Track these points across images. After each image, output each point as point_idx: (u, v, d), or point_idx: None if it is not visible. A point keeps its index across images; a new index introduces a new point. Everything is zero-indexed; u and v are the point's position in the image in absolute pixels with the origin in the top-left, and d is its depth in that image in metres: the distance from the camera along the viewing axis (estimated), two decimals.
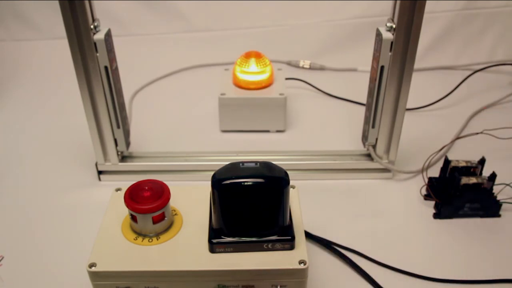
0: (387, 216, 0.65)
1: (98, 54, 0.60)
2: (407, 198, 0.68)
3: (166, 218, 0.48)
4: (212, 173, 0.45)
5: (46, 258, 0.58)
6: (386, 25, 0.61)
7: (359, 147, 0.75)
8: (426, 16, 0.58)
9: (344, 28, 1.09)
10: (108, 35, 0.61)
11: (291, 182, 0.45)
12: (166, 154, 0.73)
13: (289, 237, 0.46)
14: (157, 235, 0.47)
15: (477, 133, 0.67)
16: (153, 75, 1.02)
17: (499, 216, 0.64)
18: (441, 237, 0.61)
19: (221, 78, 0.85)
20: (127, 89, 0.79)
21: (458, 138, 0.79)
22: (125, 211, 0.48)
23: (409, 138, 0.74)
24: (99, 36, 0.59)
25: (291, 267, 0.44)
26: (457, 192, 0.62)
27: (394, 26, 0.60)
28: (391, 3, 0.60)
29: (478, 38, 1.08)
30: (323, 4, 1.09)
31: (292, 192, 0.51)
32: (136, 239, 0.47)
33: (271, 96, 0.80)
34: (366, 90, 0.68)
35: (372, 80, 0.66)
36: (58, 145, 0.79)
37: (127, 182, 0.50)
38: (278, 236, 0.45)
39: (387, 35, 0.60)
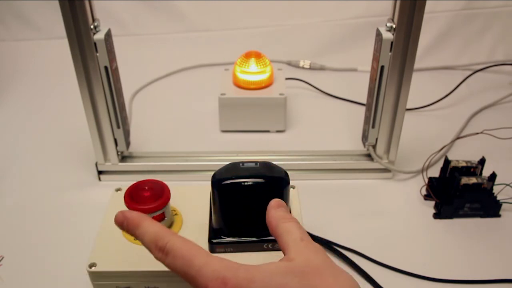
0: (387, 216, 0.65)
1: (98, 54, 0.60)
2: (407, 198, 0.68)
3: (166, 218, 0.48)
4: (212, 173, 0.45)
5: (46, 258, 0.58)
6: (386, 25, 0.61)
7: (359, 147, 0.75)
8: (426, 16, 0.58)
9: (344, 28, 1.09)
10: (108, 35, 0.61)
11: (291, 182, 0.45)
12: (166, 154, 0.73)
13: None
14: None
15: (477, 133, 0.67)
16: (153, 75, 1.02)
17: (499, 216, 0.64)
18: (441, 237, 0.61)
19: (221, 78, 0.85)
20: (127, 89, 0.79)
21: (458, 138, 0.79)
22: None
23: (409, 138, 0.73)
24: (99, 36, 0.59)
25: None
26: (457, 192, 0.62)
27: (394, 26, 0.60)
28: (391, 3, 0.60)
29: (478, 38, 1.08)
30: (323, 4, 1.09)
31: (292, 192, 0.51)
32: (136, 239, 0.46)
33: (271, 96, 0.80)
34: (366, 90, 0.68)
35: (372, 80, 0.66)
36: (58, 145, 0.79)
37: (127, 182, 0.50)
38: None
39: (387, 35, 0.60)
